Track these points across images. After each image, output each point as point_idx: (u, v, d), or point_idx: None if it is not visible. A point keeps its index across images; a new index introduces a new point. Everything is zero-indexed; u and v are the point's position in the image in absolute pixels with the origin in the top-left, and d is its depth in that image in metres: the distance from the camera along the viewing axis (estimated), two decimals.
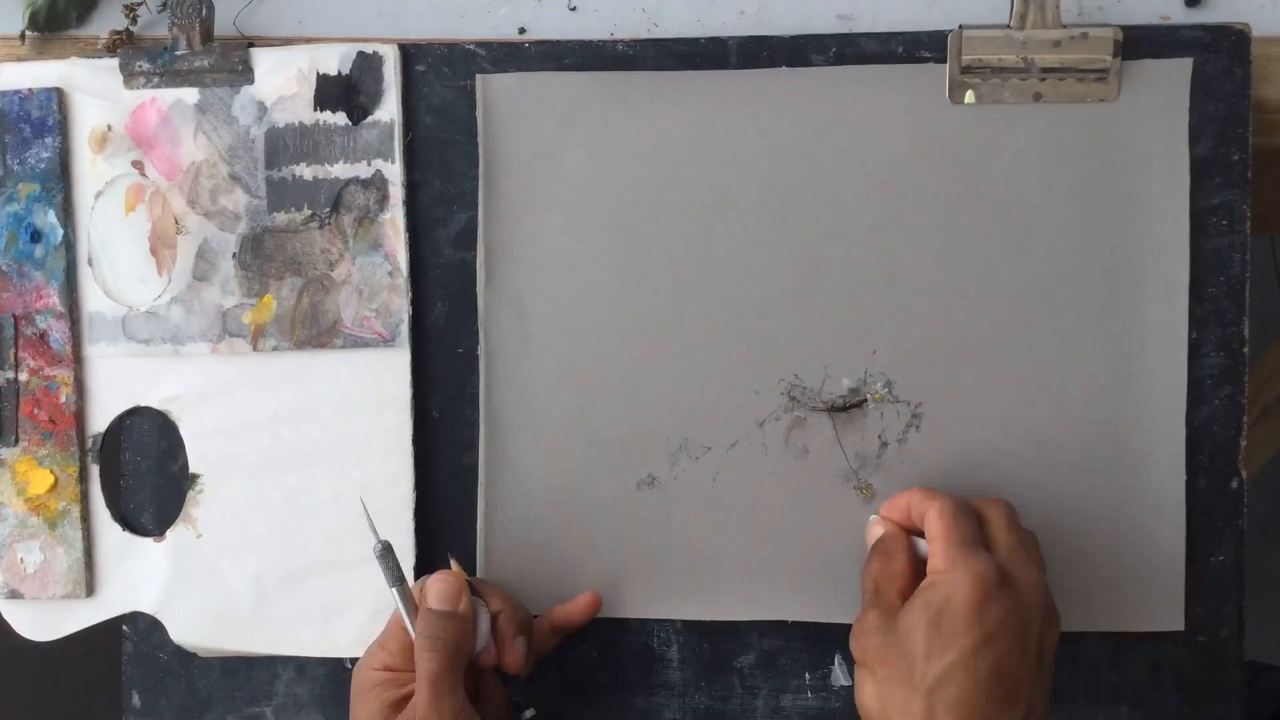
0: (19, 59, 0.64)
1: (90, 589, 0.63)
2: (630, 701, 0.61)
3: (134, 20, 0.63)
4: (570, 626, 0.60)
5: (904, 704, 0.50)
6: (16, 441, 0.62)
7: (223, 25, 0.63)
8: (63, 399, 0.62)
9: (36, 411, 0.62)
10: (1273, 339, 0.96)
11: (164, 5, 0.63)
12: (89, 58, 0.62)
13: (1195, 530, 0.59)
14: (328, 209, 0.61)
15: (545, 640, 0.59)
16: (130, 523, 0.63)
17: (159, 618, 0.63)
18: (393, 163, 0.61)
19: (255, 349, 0.61)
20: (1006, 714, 0.50)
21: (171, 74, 0.61)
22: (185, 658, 0.63)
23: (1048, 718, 0.52)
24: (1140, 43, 0.58)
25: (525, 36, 0.62)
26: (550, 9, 0.63)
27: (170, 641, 0.63)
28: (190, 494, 0.62)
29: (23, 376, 0.62)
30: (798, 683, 0.61)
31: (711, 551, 0.60)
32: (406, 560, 0.61)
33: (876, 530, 0.57)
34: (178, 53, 0.61)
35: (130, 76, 0.62)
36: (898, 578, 0.54)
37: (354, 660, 0.62)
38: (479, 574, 0.61)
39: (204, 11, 0.61)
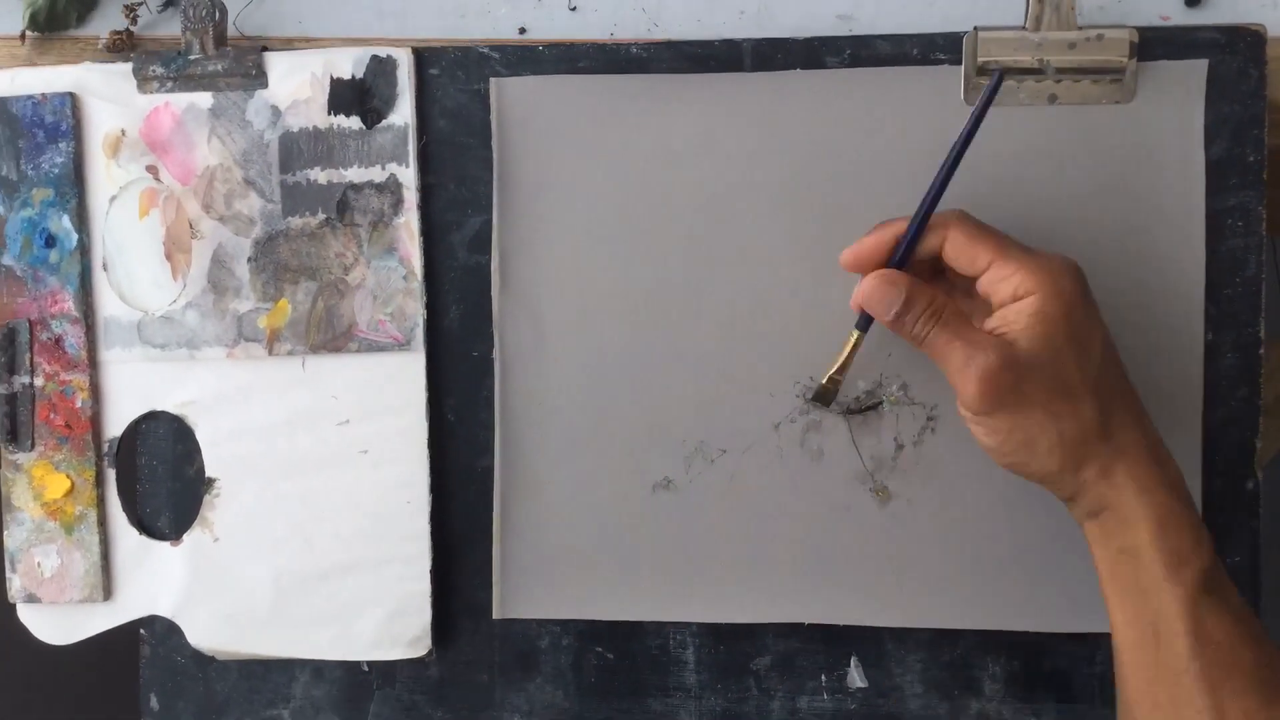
0: (18, 59, 0.64)
1: (107, 593, 0.63)
2: (646, 704, 0.62)
3: (134, 20, 0.63)
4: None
5: (1074, 415, 0.51)
6: (33, 446, 0.63)
7: None
8: (79, 404, 0.62)
9: (53, 416, 0.62)
10: (1273, 339, 0.95)
11: (164, 5, 0.63)
12: (102, 63, 0.62)
13: (1211, 531, 0.58)
14: (341, 213, 0.61)
15: None
16: (147, 526, 0.63)
17: (176, 621, 0.63)
18: (407, 166, 0.61)
19: (270, 353, 0.62)
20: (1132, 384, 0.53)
21: (185, 78, 0.61)
22: (203, 661, 0.64)
23: None
24: (1155, 44, 0.58)
25: (525, 37, 0.62)
26: (550, 9, 0.62)
27: (188, 645, 0.63)
28: (206, 498, 0.62)
29: (39, 382, 0.62)
30: (814, 685, 0.61)
31: (727, 554, 0.60)
32: (423, 564, 0.61)
33: (891, 292, 0.53)
34: (191, 57, 0.61)
35: (144, 81, 0.62)
36: (958, 312, 0.52)
37: (371, 664, 0.63)
38: (495, 578, 0.61)
39: (217, 15, 0.61)
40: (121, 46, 0.63)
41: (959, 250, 0.53)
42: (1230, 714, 0.49)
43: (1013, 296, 0.51)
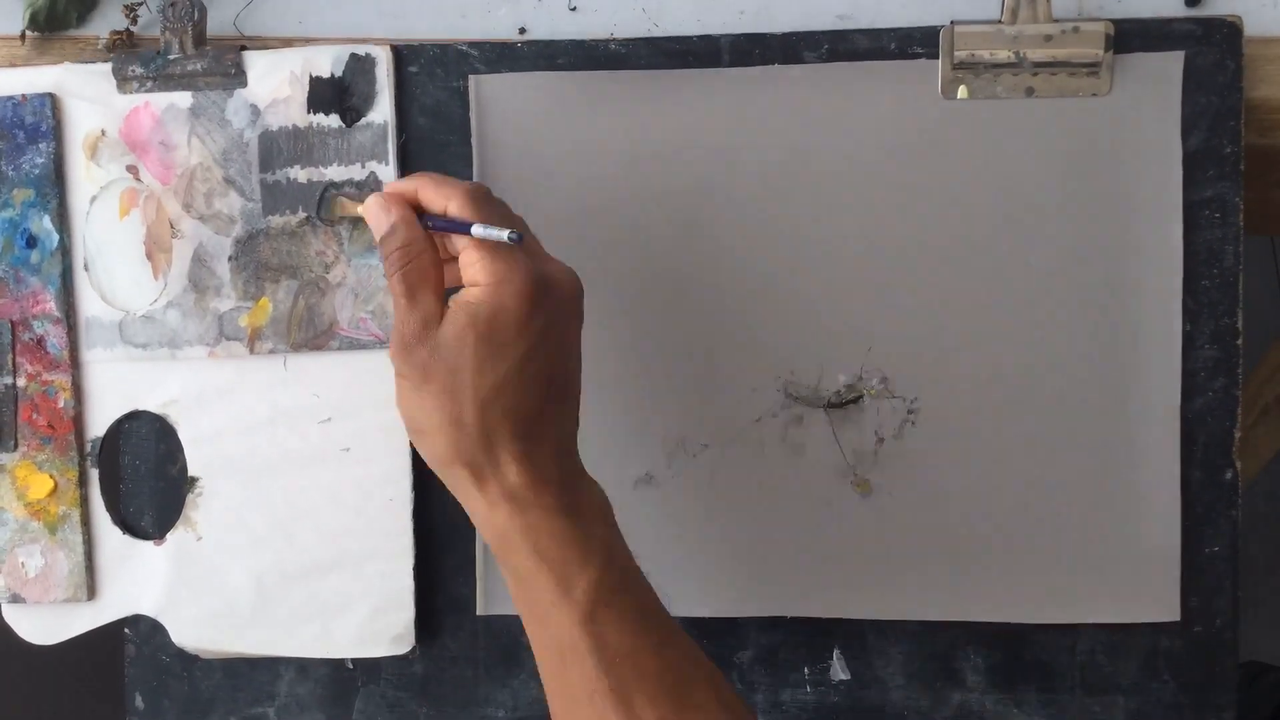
0: (18, 60, 0.64)
1: (91, 592, 0.63)
2: None
3: (134, 21, 0.63)
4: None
5: (456, 415, 0.49)
6: (16, 447, 0.63)
7: (224, 25, 0.63)
8: (61, 404, 0.62)
9: (35, 417, 0.63)
10: (1273, 339, 0.96)
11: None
12: (83, 62, 0.62)
13: (1190, 521, 0.59)
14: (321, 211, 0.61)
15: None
16: (130, 526, 0.63)
17: (160, 620, 0.63)
18: (386, 164, 0.61)
19: (252, 352, 0.62)
20: (559, 408, 0.52)
21: (164, 78, 0.61)
22: (187, 660, 0.64)
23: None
24: (1132, 36, 0.58)
25: (526, 36, 0.62)
26: (550, 9, 0.62)
27: (172, 644, 0.63)
28: (189, 497, 0.62)
29: (21, 382, 0.62)
30: (796, 677, 0.61)
31: (709, 548, 0.61)
32: (406, 560, 0.61)
33: (382, 216, 0.53)
34: (170, 56, 0.61)
35: (123, 81, 0.62)
36: (429, 275, 0.51)
37: (355, 661, 0.63)
38: (478, 573, 0.61)
39: (196, 15, 0.61)
40: (122, 46, 0.62)
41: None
42: None
43: (470, 282, 0.51)
